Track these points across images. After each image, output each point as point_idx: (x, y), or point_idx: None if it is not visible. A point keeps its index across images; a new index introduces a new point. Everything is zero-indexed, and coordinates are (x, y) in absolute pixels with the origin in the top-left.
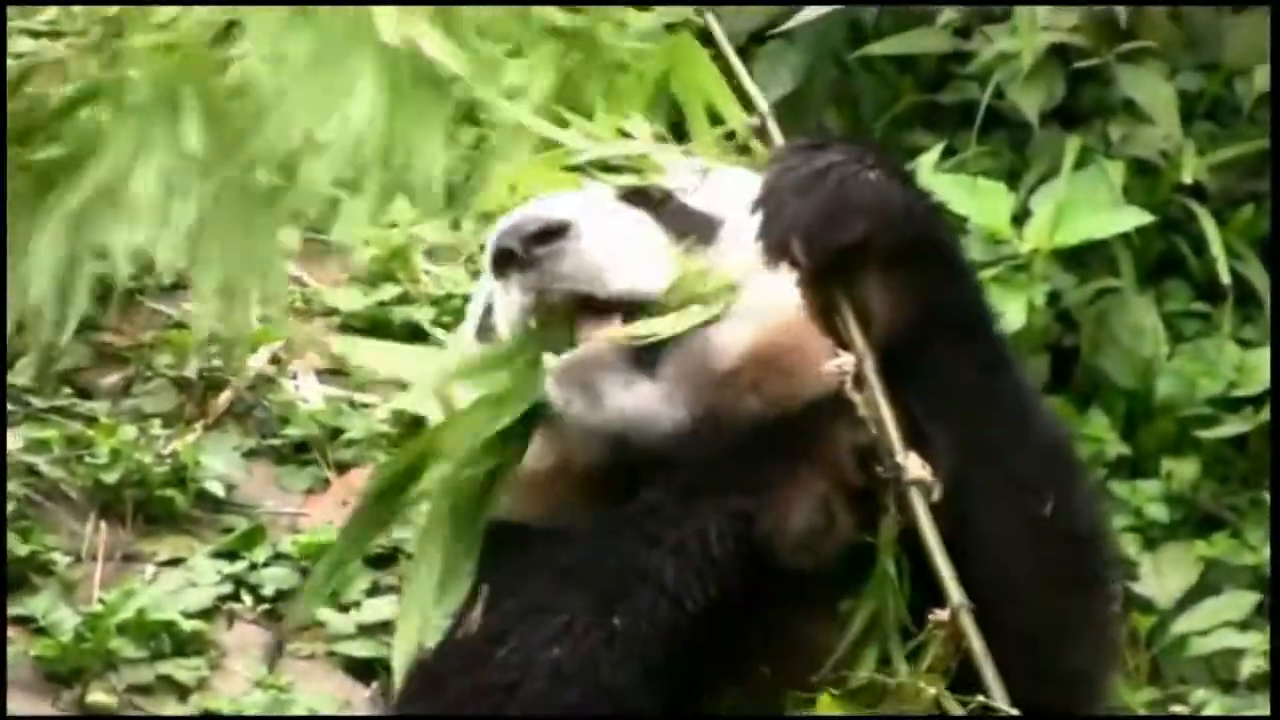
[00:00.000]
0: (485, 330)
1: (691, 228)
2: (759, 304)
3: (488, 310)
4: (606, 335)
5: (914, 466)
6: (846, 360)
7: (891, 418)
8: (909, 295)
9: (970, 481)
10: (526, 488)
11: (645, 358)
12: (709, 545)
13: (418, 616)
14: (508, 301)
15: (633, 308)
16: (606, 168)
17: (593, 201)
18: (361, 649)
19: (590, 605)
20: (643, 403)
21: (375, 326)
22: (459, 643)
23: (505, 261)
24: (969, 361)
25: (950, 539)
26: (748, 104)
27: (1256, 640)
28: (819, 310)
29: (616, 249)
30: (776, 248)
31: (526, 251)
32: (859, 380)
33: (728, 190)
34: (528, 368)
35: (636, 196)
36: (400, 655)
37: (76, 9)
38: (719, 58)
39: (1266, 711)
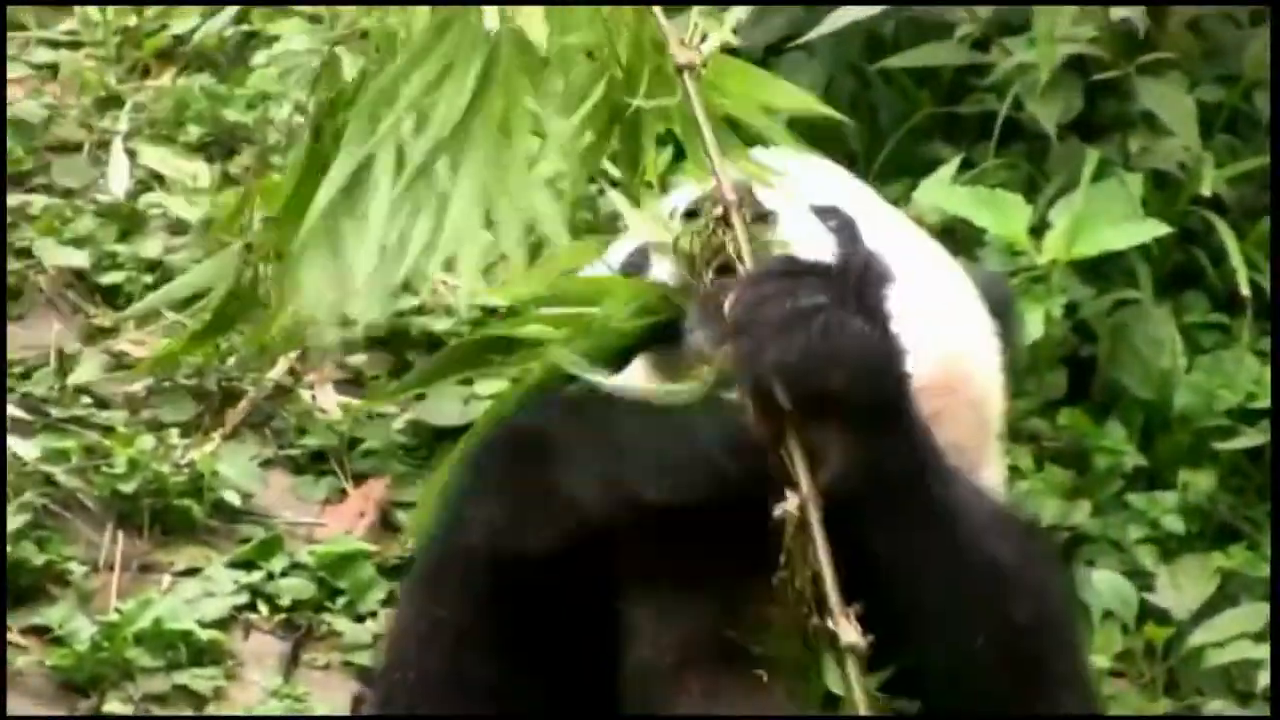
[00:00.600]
0: (631, 267)
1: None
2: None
3: (643, 250)
4: None
5: (848, 632)
6: (793, 503)
7: (830, 571)
8: (865, 452)
9: (904, 627)
10: None
11: None
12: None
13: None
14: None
15: None
16: None
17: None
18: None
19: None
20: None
21: (394, 337)
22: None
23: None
24: (909, 521)
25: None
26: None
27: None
28: (771, 443)
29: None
30: (755, 383)
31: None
32: (803, 525)
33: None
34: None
35: (823, 212)
36: None
37: (94, 19)
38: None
39: None
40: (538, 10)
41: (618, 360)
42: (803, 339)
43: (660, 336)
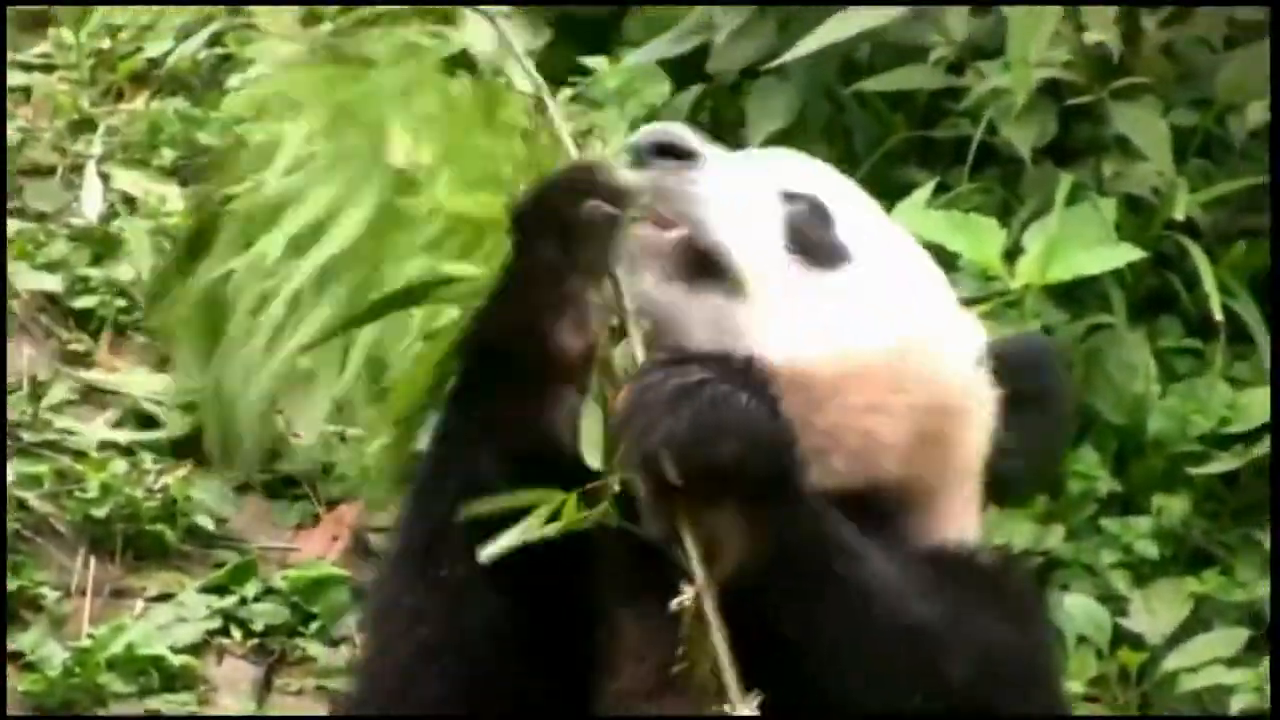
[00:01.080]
0: None
1: (811, 248)
2: (835, 338)
3: None
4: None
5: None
6: (688, 595)
7: (729, 660)
8: (761, 533)
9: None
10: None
11: (693, 281)
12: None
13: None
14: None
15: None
16: None
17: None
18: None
19: (416, 570)
20: (668, 305)
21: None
22: (362, 672)
23: (631, 156)
24: (818, 599)
25: None
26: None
27: (1247, 677)
28: (664, 530)
29: (728, 205)
30: (645, 462)
31: (648, 154)
32: (699, 616)
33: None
34: None
35: (791, 196)
36: None
37: (68, 42)
38: None
39: None
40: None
41: None
42: (689, 412)
43: None
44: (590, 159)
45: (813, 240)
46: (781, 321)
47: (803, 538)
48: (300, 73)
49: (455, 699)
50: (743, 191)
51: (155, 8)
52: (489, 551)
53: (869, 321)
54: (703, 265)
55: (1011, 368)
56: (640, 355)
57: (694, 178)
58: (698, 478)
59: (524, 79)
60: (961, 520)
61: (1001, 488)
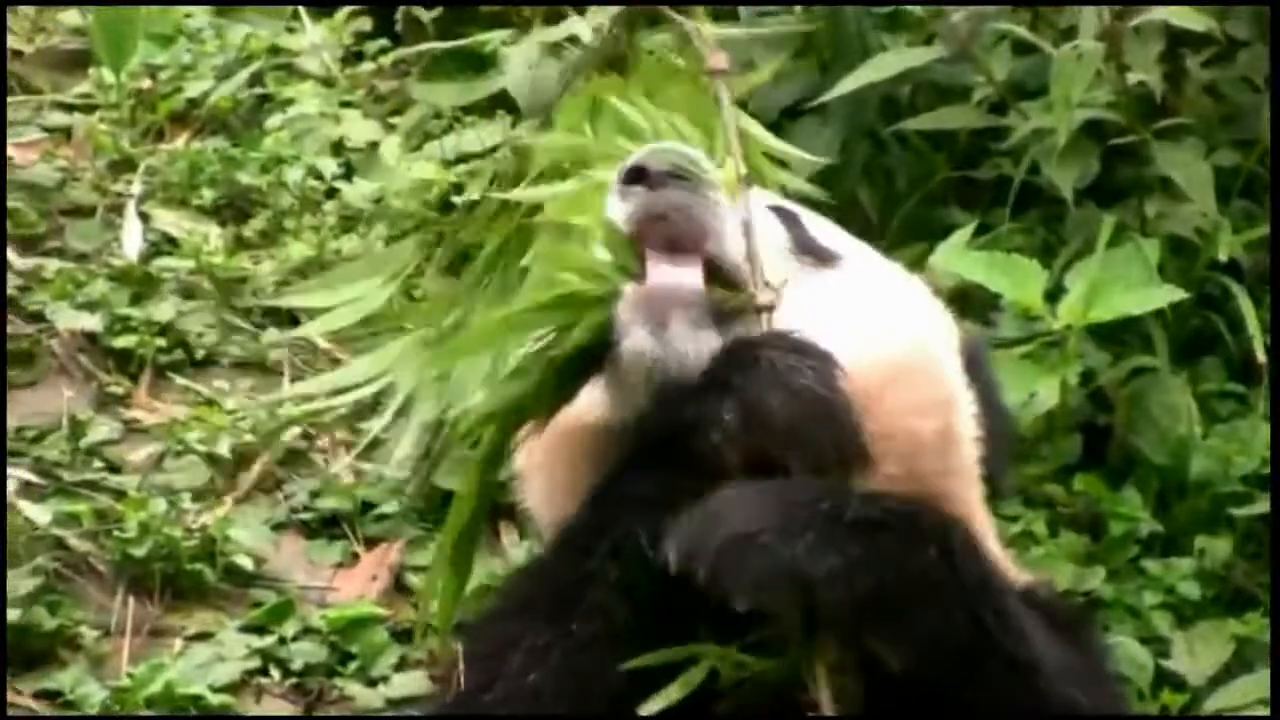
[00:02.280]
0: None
1: (811, 250)
2: (853, 344)
3: None
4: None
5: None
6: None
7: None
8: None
9: None
10: (566, 439)
11: (720, 318)
12: (642, 548)
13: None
14: (615, 212)
15: (719, 276)
16: None
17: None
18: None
19: (546, 617)
20: (704, 348)
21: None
22: (457, 698)
23: (636, 177)
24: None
25: None
26: None
27: None
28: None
29: (740, 223)
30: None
31: (660, 175)
32: None
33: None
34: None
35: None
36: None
37: (108, 82)
38: None
39: None
40: None
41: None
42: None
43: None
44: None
45: (811, 246)
46: (812, 331)
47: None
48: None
49: None
50: (746, 208)
51: (195, 48)
52: (651, 708)
53: (889, 318)
54: (725, 293)
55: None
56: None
57: (709, 199)
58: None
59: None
60: (982, 519)
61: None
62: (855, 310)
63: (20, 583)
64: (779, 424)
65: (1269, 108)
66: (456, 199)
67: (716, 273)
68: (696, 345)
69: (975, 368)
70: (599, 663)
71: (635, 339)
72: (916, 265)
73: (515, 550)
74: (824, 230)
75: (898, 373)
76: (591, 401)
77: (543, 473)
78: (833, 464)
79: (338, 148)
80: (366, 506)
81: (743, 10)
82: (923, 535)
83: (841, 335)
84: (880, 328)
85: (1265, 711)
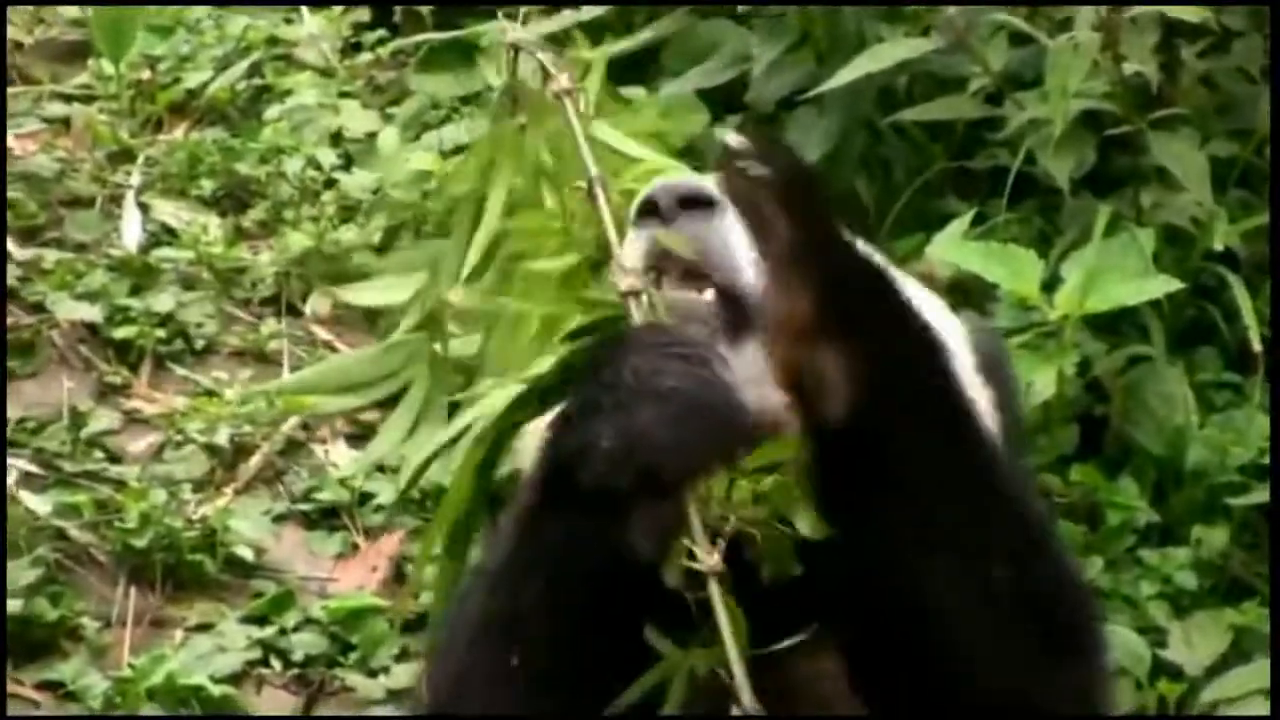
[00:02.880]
0: None
1: None
2: None
3: None
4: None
5: (711, 563)
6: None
7: (696, 513)
8: (859, 369)
9: (911, 559)
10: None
11: (734, 336)
12: (581, 569)
13: (431, 562)
14: (632, 249)
15: (732, 304)
16: None
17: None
18: (391, 714)
19: (493, 654)
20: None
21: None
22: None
23: (648, 211)
24: (922, 439)
25: (898, 612)
26: None
27: None
28: (787, 383)
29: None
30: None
31: (671, 208)
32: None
33: None
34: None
35: None
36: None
37: (108, 73)
38: None
39: None
40: None
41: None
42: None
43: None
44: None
45: None
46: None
47: (904, 367)
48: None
49: None
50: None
51: (194, 39)
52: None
53: None
54: (739, 319)
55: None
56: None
57: (721, 226)
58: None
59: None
60: None
61: None
62: None
63: (21, 574)
64: (654, 438)
65: (1268, 99)
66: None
67: (730, 300)
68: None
69: (990, 367)
70: (545, 696)
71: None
72: (914, 255)
73: None
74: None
75: None
76: None
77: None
78: (719, 459)
79: (336, 138)
80: (366, 497)
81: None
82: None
83: None
84: None
85: (1263, 701)
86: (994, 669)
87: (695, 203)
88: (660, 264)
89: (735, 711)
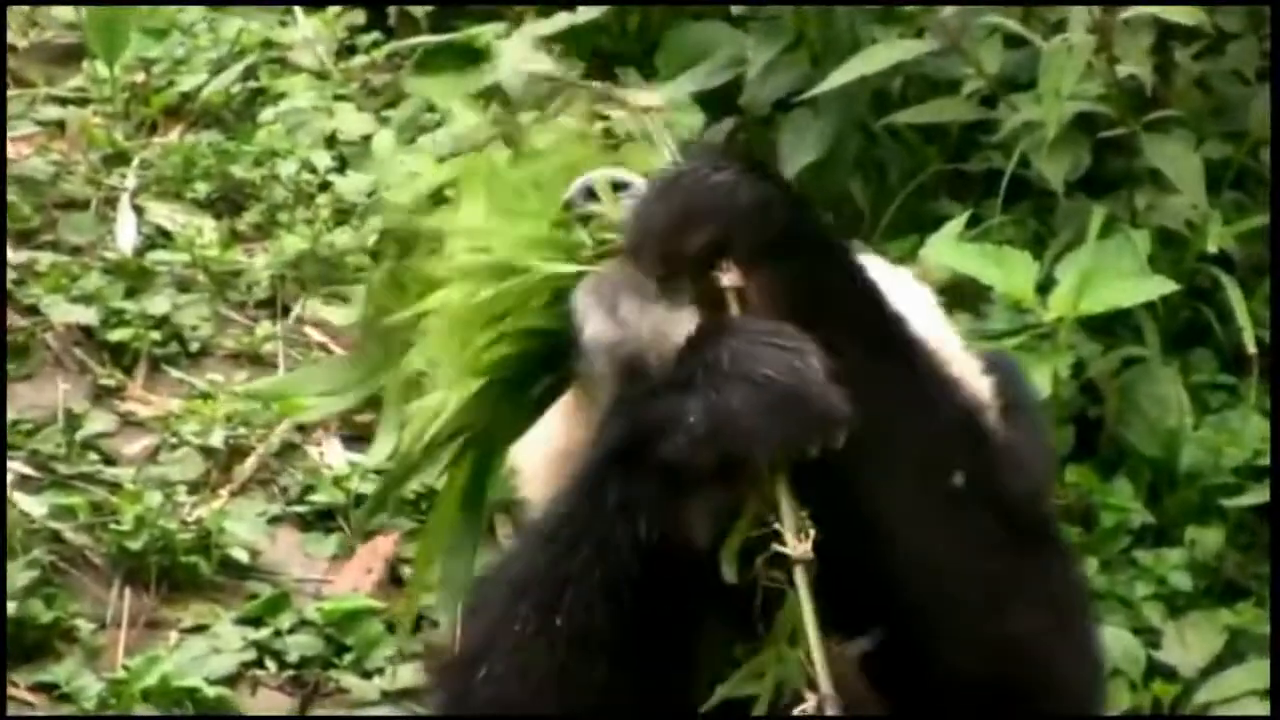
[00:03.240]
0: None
1: None
2: None
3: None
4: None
5: (801, 550)
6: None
7: (787, 500)
8: (779, 289)
9: (866, 467)
10: (542, 467)
11: (669, 292)
12: (634, 539)
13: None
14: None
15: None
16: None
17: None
18: (387, 715)
19: (530, 614)
20: (658, 322)
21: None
22: (444, 669)
23: (590, 196)
24: (851, 350)
25: (856, 527)
26: None
27: None
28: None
29: None
30: (633, 254)
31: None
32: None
33: None
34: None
35: None
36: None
37: (102, 75)
38: None
39: None
40: None
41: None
42: (668, 204)
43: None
44: None
45: None
46: None
47: (823, 282)
48: (473, 158)
49: None
50: None
51: (188, 42)
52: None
53: None
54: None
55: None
56: (787, 504)
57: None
58: (682, 261)
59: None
60: None
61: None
62: None
63: (16, 576)
64: (743, 422)
65: (1263, 101)
66: (450, 192)
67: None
68: (651, 323)
69: (1001, 381)
70: (581, 659)
71: (593, 324)
72: (909, 258)
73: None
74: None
75: None
76: (569, 424)
77: (539, 494)
78: (804, 449)
79: (331, 141)
80: (361, 499)
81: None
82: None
83: None
84: None
85: (1257, 702)
86: (944, 567)
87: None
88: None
89: (813, 703)
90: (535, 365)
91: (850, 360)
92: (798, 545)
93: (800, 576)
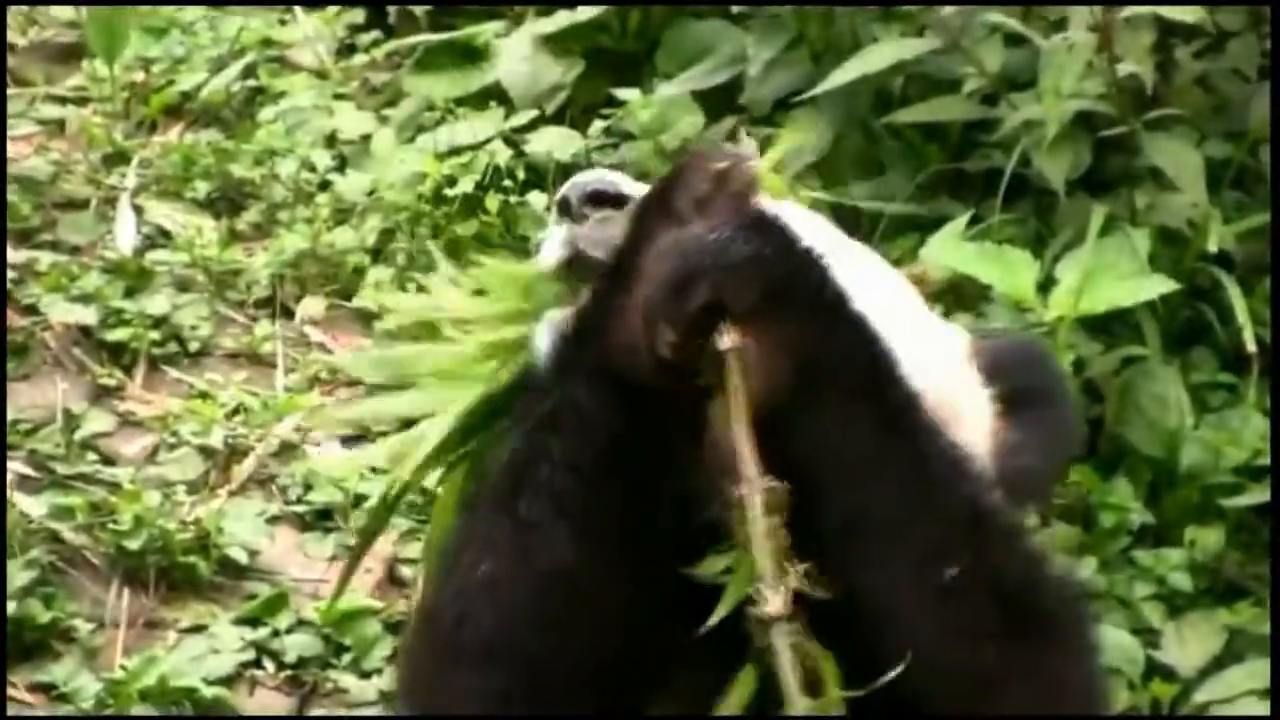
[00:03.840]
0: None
1: None
2: None
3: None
4: None
5: (775, 604)
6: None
7: (766, 543)
8: (780, 351)
9: (860, 554)
10: None
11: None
12: (580, 403)
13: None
14: (549, 245)
15: None
16: None
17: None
18: (384, 715)
19: (494, 506)
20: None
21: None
22: (421, 607)
23: (562, 209)
24: (856, 423)
25: (847, 611)
26: None
27: None
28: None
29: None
30: (645, 332)
31: (580, 206)
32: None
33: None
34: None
35: None
36: None
37: (102, 75)
38: None
39: None
40: None
41: None
42: (663, 271)
43: None
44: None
45: None
46: None
47: (826, 344)
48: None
49: (509, 635)
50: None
51: (188, 41)
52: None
53: None
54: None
55: (1010, 367)
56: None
57: (616, 217)
58: (688, 328)
59: None
60: None
61: (1017, 485)
62: None
63: (15, 575)
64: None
65: (1263, 100)
66: (449, 191)
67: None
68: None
69: (1022, 369)
70: (550, 543)
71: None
72: (909, 257)
73: None
74: (839, 268)
75: None
76: None
77: None
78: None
79: (331, 140)
80: (360, 499)
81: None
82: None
83: None
84: None
85: (1256, 702)
86: (934, 659)
87: (605, 200)
88: (573, 260)
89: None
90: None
91: (853, 433)
92: (774, 600)
93: (778, 633)
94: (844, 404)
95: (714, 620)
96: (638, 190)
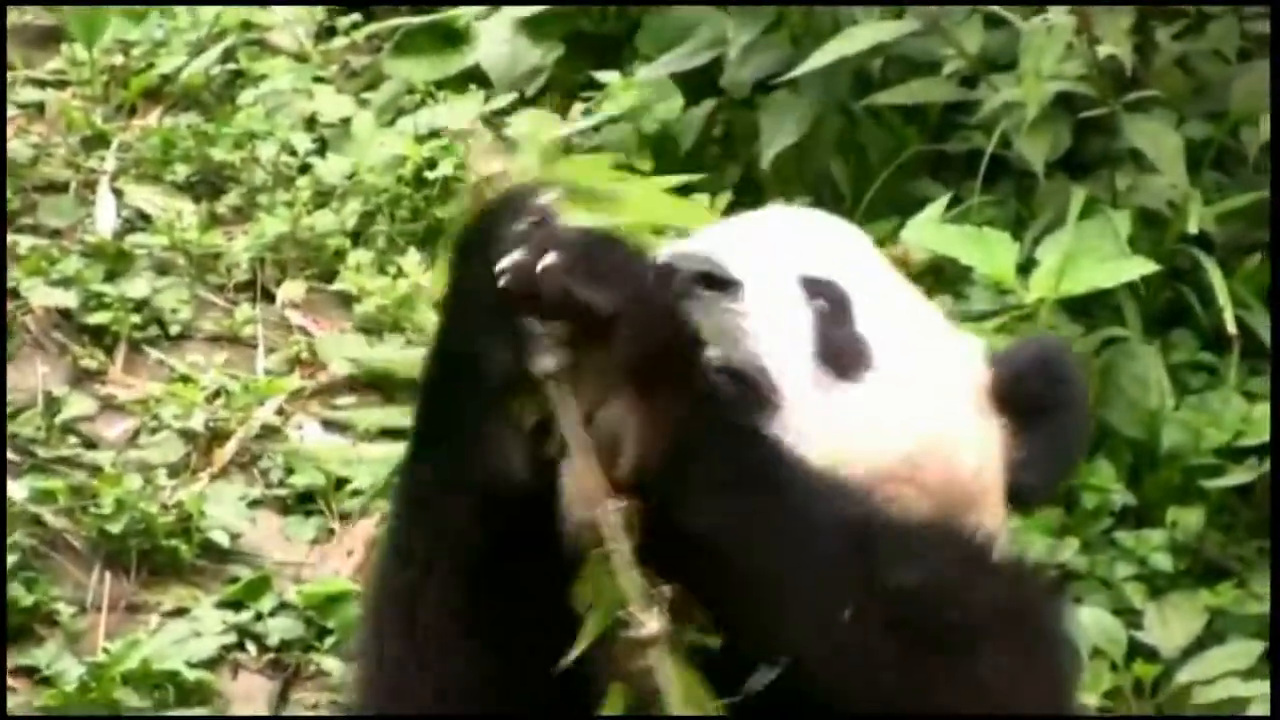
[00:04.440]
0: None
1: (836, 356)
2: (858, 451)
3: None
4: None
5: (652, 625)
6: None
7: (629, 565)
8: (656, 420)
9: (754, 612)
10: None
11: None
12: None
13: None
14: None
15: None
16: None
17: (777, 272)
18: None
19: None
20: None
21: (379, 378)
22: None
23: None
24: (725, 486)
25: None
26: None
27: (1262, 689)
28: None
29: (766, 341)
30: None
31: (688, 283)
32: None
33: (889, 319)
34: None
35: (814, 285)
36: None
37: (81, 58)
38: None
39: None
40: None
41: None
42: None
43: None
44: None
45: (836, 344)
46: (811, 435)
47: (697, 414)
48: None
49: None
50: (775, 313)
51: (168, 24)
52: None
53: (887, 430)
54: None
55: (1026, 375)
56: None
57: (734, 308)
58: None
59: None
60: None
61: (1022, 498)
62: (852, 422)
63: None
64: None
65: (1242, 81)
66: (430, 174)
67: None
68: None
69: (1040, 377)
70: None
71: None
72: (889, 239)
73: None
74: (872, 309)
75: (879, 476)
76: None
77: None
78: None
79: (311, 123)
80: (341, 482)
81: None
82: None
83: (828, 445)
84: (870, 438)
85: (1238, 682)
86: (861, 695)
87: (714, 283)
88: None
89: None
90: None
91: (722, 506)
92: (650, 622)
93: (656, 654)
94: (711, 470)
95: (576, 652)
96: (755, 277)
